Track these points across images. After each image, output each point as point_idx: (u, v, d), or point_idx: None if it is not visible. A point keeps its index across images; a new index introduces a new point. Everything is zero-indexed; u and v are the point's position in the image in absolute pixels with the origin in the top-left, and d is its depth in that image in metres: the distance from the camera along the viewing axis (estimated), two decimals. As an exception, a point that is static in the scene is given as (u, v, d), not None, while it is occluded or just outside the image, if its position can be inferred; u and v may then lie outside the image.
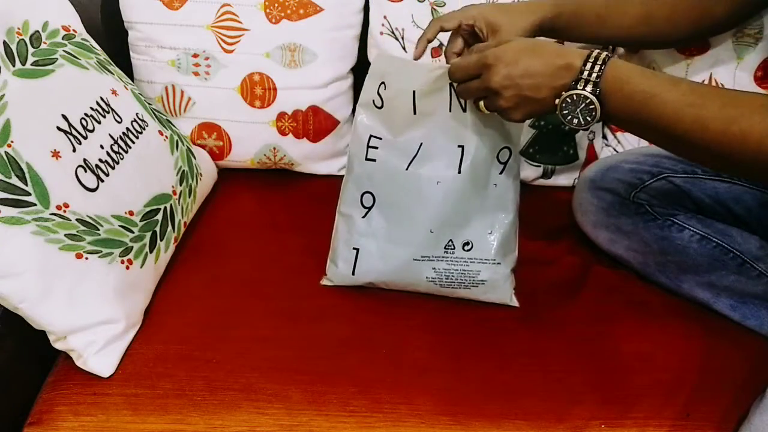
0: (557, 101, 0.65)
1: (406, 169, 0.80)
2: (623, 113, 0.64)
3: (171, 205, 0.86)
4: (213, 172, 1.06)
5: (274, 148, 1.06)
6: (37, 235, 0.68)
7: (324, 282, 0.88)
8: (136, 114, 0.85)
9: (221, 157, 1.07)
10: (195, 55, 1.00)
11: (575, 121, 0.66)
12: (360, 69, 1.07)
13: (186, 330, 0.81)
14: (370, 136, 0.82)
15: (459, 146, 0.79)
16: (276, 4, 0.99)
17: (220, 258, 0.93)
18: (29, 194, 0.67)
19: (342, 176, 1.05)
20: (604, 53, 0.64)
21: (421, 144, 0.80)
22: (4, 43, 0.70)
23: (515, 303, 0.86)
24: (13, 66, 0.70)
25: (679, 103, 0.61)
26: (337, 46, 1.03)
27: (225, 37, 1.00)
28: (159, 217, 0.83)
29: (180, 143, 0.93)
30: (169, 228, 0.86)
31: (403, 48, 1.01)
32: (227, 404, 0.73)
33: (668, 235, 0.86)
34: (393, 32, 1.01)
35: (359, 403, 0.74)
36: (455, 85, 0.75)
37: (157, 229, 0.83)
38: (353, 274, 0.85)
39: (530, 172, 1.09)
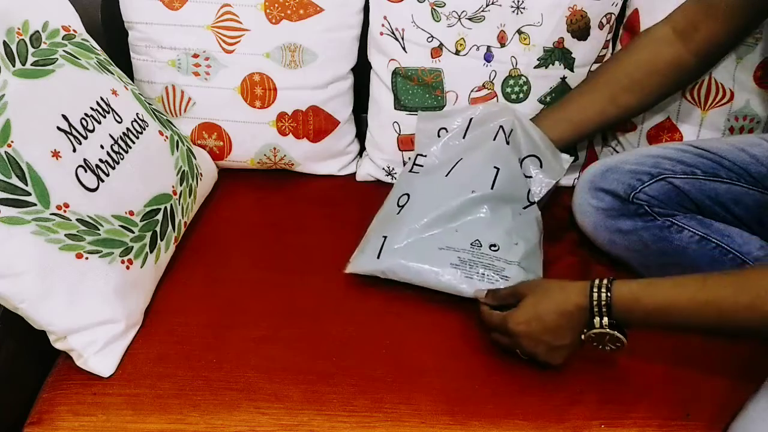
0: (582, 338, 0.72)
1: (446, 175, 0.90)
2: (645, 327, 0.71)
3: (171, 205, 0.86)
4: (213, 172, 1.06)
5: (275, 149, 1.06)
6: (37, 235, 0.68)
7: (348, 270, 0.88)
8: (137, 114, 0.85)
9: (221, 157, 1.07)
10: (195, 56, 1.00)
11: (607, 348, 0.72)
12: (360, 69, 1.07)
13: (186, 330, 0.81)
14: (418, 155, 0.95)
15: (495, 167, 0.89)
16: (276, 5, 0.99)
17: (220, 258, 0.93)
18: (29, 194, 0.67)
19: (342, 176, 1.07)
20: (605, 280, 0.69)
21: (461, 159, 0.91)
22: (4, 43, 0.70)
23: None
24: (13, 66, 0.70)
25: (694, 304, 0.66)
26: (337, 46, 1.03)
27: (225, 38, 1.00)
28: (159, 217, 0.83)
29: (180, 143, 0.93)
30: (170, 228, 0.86)
31: (403, 48, 1.01)
32: (227, 404, 0.73)
33: (668, 235, 0.86)
34: (393, 32, 1.01)
35: (359, 403, 0.74)
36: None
37: (158, 229, 0.83)
38: (378, 257, 0.85)
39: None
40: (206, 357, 0.78)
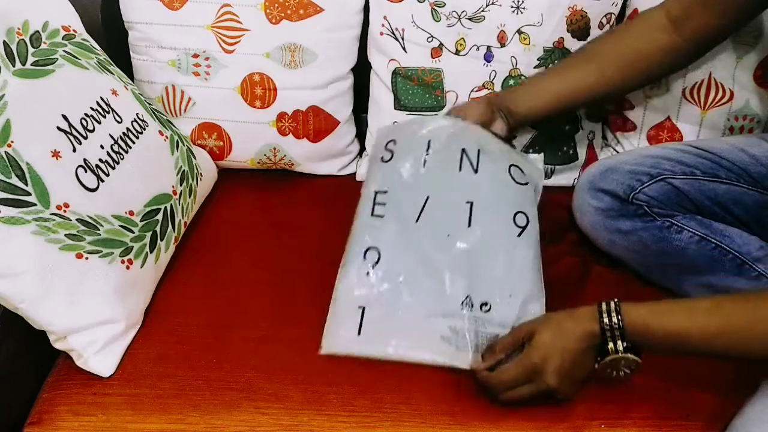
0: (597, 366, 0.69)
1: (416, 221, 0.79)
2: (658, 351, 0.68)
3: (171, 205, 0.86)
4: (213, 172, 1.06)
5: (275, 149, 1.06)
6: (37, 235, 0.68)
7: (324, 350, 0.77)
8: (137, 114, 0.85)
9: (221, 157, 1.07)
10: (195, 56, 1.00)
11: (621, 373, 0.69)
12: (360, 69, 1.07)
13: (186, 330, 0.81)
14: (376, 192, 0.82)
15: (467, 202, 0.80)
16: (276, 5, 0.99)
17: (220, 258, 0.93)
18: (29, 194, 0.67)
19: (342, 176, 1.05)
20: (612, 304, 0.67)
21: (428, 197, 0.80)
22: (4, 43, 0.70)
23: None
24: (13, 66, 0.70)
25: (707, 334, 0.64)
26: (337, 46, 1.03)
27: (225, 38, 1.00)
28: (159, 217, 0.83)
29: (180, 143, 0.93)
30: (170, 228, 0.86)
31: (403, 48, 1.01)
32: (227, 404, 0.73)
33: (667, 236, 0.86)
34: (393, 32, 1.01)
35: (359, 403, 0.74)
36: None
37: (158, 229, 0.83)
38: (359, 334, 0.76)
39: (530, 172, 1.09)
40: (206, 357, 0.78)
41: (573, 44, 1.01)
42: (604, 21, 1.01)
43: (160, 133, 0.89)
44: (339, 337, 0.77)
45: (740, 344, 0.64)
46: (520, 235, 0.80)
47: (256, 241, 0.96)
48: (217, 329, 0.81)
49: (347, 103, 1.08)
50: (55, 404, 0.73)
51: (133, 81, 0.99)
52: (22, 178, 0.67)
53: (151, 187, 0.83)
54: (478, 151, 0.84)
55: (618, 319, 0.66)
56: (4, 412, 0.75)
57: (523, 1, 0.98)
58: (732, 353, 0.66)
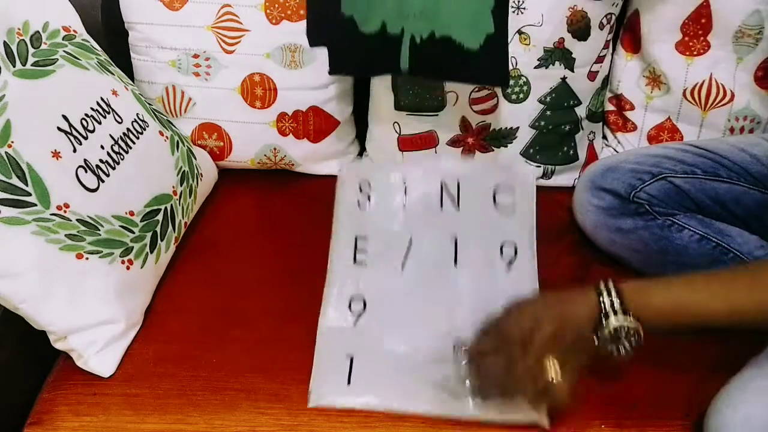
0: (597, 341, 0.65)
1: (402, 268, 0.77)
2: (658, 322, 0.65)
3: (171, 205, 0.86)
4: (213, 173, 1.06)
5: (275, 149, 1.06)
6: (37, 236, 0.68)
7: (311, 403, 0.72)
8: (137, 114, 0.85)
9: (222, 157, 1.07)
10: (195, 56, 1.00)
11: (623, 348, 0.65)
12: (360, 69, 1.07)
13: (186, 330, 0.81)
14: (357, 237, 0.80)
15: (452, 238, 0.78)
16: (276, 5, 0.99)
17: (220, 258, 0.93)
18: (30, 194, 0.67)
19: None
20: (609, 282, 0.65)
21: (411, 239, 0.78)
22: (5, 43, 0.70)
23: (545, 423, 0.70)
24: (14, 66, 0.70)
25: (709, 290, 0.64)
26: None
27: (225, 38, 1.00)
28: (159, 217, 0.83)
29: (180, 144, 0.93)
30: (170, 228, 0.86)
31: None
32: (227, 404, 0.73)
33: (668, 235, 0.86)
34: (393, 33, 1.01)
35: (359, 403, 0.74)
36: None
37: (158, 229, 0.83)
38: (348, 383, 0.72)
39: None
40: (206, 357, 0.78)
41: (573, 44, 1.00)
42: (605, 21, 1.01)
43: (161, 133, 0.89)
44: (327, 389, 0.73)
45: (740, 317, 0.63)
46: (509, 268, 0.77)
47: (256, 241, 0.97)
48: (217, 329, 0.81)
49: (347, 103, 1.08)
50: (55, 404, 0.73)
51: (133, 81, 0.99)
52: (23, 179, 0.67)
53: (152, 188, 0.83)
54: (458, 184, 0.82)
55: (614, 285, 0.65)
56: (4, 412, 0.75)
57: (523, 1, 0.98)
58: (732, 325, 0.64)
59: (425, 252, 0.78)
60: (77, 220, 0.71)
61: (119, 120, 0.81)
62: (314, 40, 0.86)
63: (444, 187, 0.81)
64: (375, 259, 0.78)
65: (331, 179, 1.10)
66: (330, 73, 0.78)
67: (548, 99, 1.03)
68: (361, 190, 0.83)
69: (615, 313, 0.64)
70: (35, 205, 0.68)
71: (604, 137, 1.13)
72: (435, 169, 0.82)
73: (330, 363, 0.72)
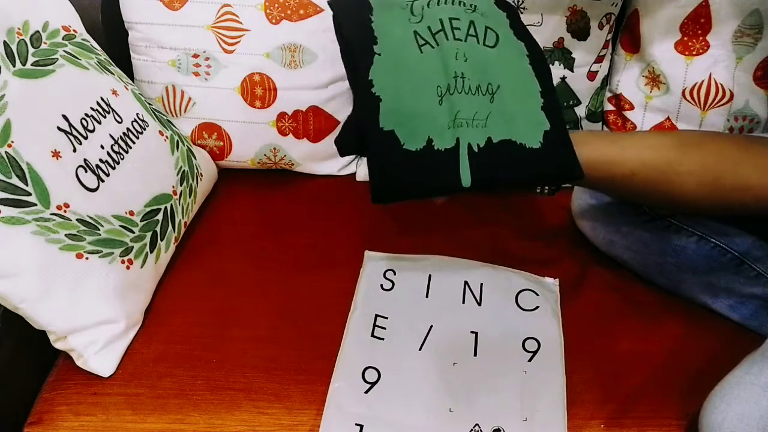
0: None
1: (420, 349, 0.78)
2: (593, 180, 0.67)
3: (171, 205, 0.86)
4: (213, 173, 1.06)
5: (275, 149, 1.07)
6: (37, 235, 0.68)
7: None
8: (137, 114, 0.85)
9: (221, 157, 1.07)
10: (195, 56, 1.00)
11: (546, 189, 0.68)
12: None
13: (186, 330, 0.81)
14: (377, 315, 0.82)
15: (472, 332, 0.80)
16: (276, 5, 0.99)
17: (220, 258, 0.93)
18: (29, 194, 0.67)
19: (342, 176, 1.04)
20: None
21: (431, 326, 0.80)
22: (5, 43, 0.70)
23: None
24: (14, 66, 0.70)
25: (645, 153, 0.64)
26: (337, 46, 1.03)
27: (225, 38, 1.00)
28: (159, 217, 0.83)
29: (180, 143, 0.93)
30: (170, 228, 0.86)
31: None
32: (227, 404, 0.73)
33: (666, 235, 0.86)
34: (393, 33, 1.01)
35: (359, 403, 0.74)
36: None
37: (158, 229, 0.83)
38: None
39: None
40: (206, 357, 0.78)
41: (573, 44, 1.01)
42: (604, 21, 1.01)
43: (161, 133, 0.89)
44: None
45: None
46: (531, 359, 0.77)
47: (256, 241, 0.97)
48: (217, 329, 0.81)
49: (347, 103, 1.08)
50: (55, 404, 0.73)
51: (133, 81, 0.99)
52: (23, 178, 0.67)
53: (152, 187, 0.83)
54: (481, 285, 0.85)
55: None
56: (4, 412, 0.75)
57: (523, 1, 0.98)
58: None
59: (445, 339, 0.79)
60: (77, 219, 0.71)
61: (119, 120, 0.81)
62: (346, 149, 0.78)
63: (467, 285, 0.84)
64: (393, 336, 0.79)
65: (331, 179, 1.11)
66: (373, 201, 0.68)
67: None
68: (385, 276, 0.86)
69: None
70: (35, 204, 0.68)
71: (604, 137, 1.13)
72: (459, 270, 0.86)
73: (338, 429, 0.70)
